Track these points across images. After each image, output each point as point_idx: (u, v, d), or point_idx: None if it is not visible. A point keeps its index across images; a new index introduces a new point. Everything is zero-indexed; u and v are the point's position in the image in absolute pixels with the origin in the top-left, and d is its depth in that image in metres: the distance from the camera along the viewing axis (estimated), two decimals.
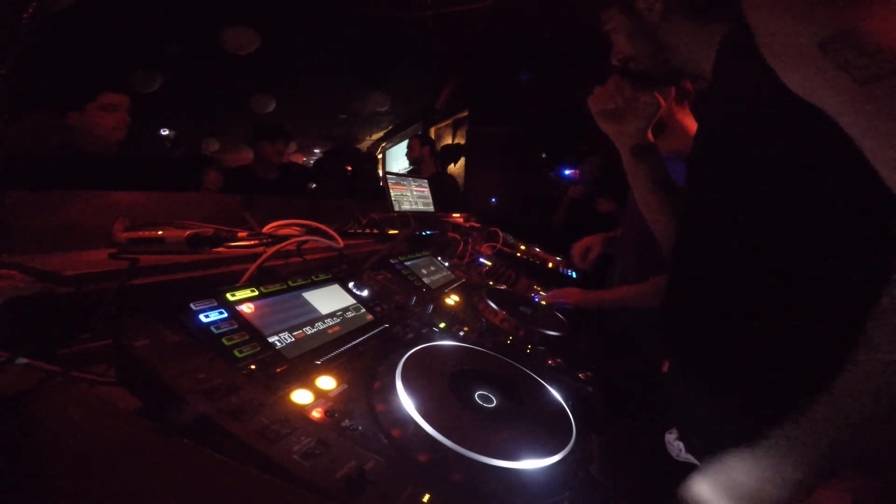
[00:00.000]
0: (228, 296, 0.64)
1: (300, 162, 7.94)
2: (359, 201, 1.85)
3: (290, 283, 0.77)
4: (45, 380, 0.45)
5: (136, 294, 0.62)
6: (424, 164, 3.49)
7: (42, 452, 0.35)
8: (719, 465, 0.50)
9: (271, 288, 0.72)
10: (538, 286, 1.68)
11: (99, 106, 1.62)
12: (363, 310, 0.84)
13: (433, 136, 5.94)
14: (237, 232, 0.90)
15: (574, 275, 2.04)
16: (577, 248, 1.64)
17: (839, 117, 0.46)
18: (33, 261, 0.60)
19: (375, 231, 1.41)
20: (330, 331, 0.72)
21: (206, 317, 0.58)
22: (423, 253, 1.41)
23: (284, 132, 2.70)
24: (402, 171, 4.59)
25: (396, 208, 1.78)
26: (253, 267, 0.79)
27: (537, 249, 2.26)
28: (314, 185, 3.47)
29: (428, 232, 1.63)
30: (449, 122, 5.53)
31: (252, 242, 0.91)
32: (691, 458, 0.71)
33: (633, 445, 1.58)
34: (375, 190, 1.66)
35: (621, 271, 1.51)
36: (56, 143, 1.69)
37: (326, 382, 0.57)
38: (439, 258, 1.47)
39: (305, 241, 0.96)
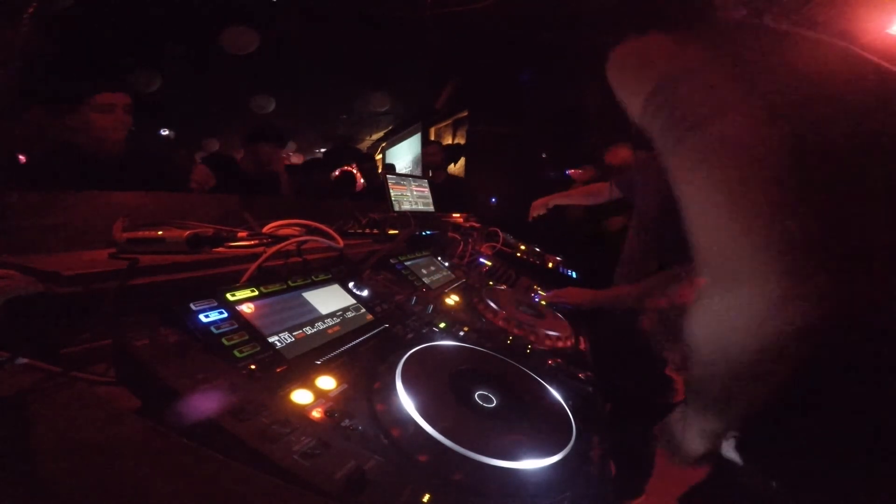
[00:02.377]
0: (228, 296, 0.64)
1: (300, 162, 7.94)
2: (359, 201, 1.85)
3: (290, 283, 0.77)
4: (45, 380, 0.45)
5: (136, 294, 0.62)
6: (440, 170, 3.58)
7: (42, 452, 0.35)
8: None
9: (271, 288, 0.72)
10: (538, 286, 1.68)
11: (92, 107, 1.54)
12: (363, 310, 0.84)
13: (433, 136, 5.95)
14: (237, 232, 0.90)
15: (574, 275, 2.04)
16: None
17: None
18: (33, 261, 0.60)
19: (375, 231, 1.41)
20: (330, 331, 0.72)
21: (206, 317, 0.58)
22: (423, 253, 1.41)
23: (280, 135, 2.66)
24: (403, 172, 4.59)
25: (396, 208, 1.78)
26: (253, 267, 0.79)
27: (537, 249, 2.26)
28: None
29: (428, 232, 1.63)
30: (449, 122, 5.53)
31: (252, 242, 0.91)
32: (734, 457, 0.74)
33: (638, 443, 1.58)
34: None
35: (624, 272, 1.51)
36: (57, 140, 1.66)
37: (326, 382, 0.57)
38: (439, 258, 1.47)
39: (305, 241, 0.96)
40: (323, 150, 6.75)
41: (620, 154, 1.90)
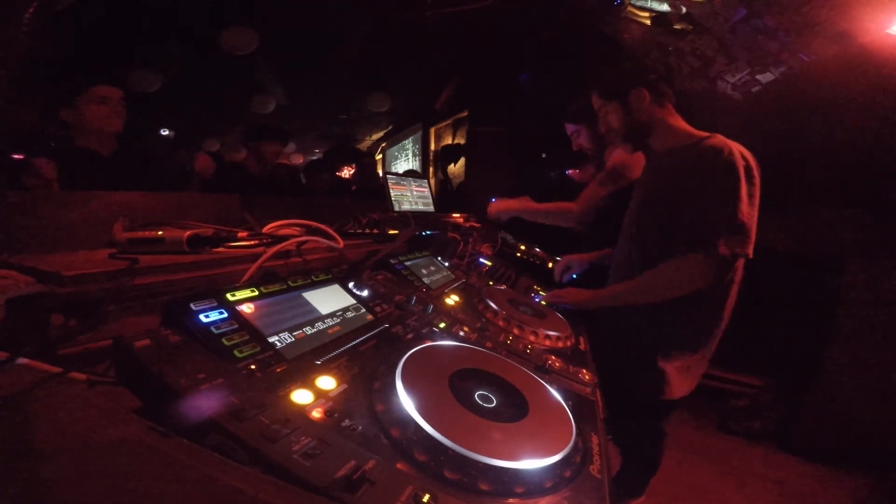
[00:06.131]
0: (228, 296, 0.64)
1: (300, 162, 7.95)
2: (359, 201, 1.86)
3: (290, 283, 0.77)
4: (45, 380, 0.45)
5: (136, 294, 0.62)
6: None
7: (42, 452, 0.35)
8: None
9: (271, 288, 0.72)
10: (538, 286, 1.68)
11: (89, 99, 1.64)
12: (363, 310, 0.84)
13: (433, 136, 5.95)
14: (237, 232, 0.90)
15: (574, 275, 2.04)
16: (557, 268, 1.80)
17: None
18: (33, 261, 0.60)
19: (375, 231, 1.41)
20: (330, 331, 0.72)
21: (206, 317, 0.58)
22: (423, 253, 1.41)
23: (283, 133, 2.71)
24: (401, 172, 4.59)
25: (396, 208, 1.78)
26: (253, 267, 0.79)
27: (537, 249, 2.25)
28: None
29: (428, 232, 1.63)
30: (449, 122, 5.53)
31: (252, 242, 0.91)
32: None
33: (637, 440, 1.58)
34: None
35: (614, 269, 1.52)
36: (41, 140, 1.73)
37: (326, 382, 0.57)
38: (439, 258, 1.47)
39: (305, 242, 0.96)
40: (323, 150, 6.74)
41: (619, 154, 1.90)
